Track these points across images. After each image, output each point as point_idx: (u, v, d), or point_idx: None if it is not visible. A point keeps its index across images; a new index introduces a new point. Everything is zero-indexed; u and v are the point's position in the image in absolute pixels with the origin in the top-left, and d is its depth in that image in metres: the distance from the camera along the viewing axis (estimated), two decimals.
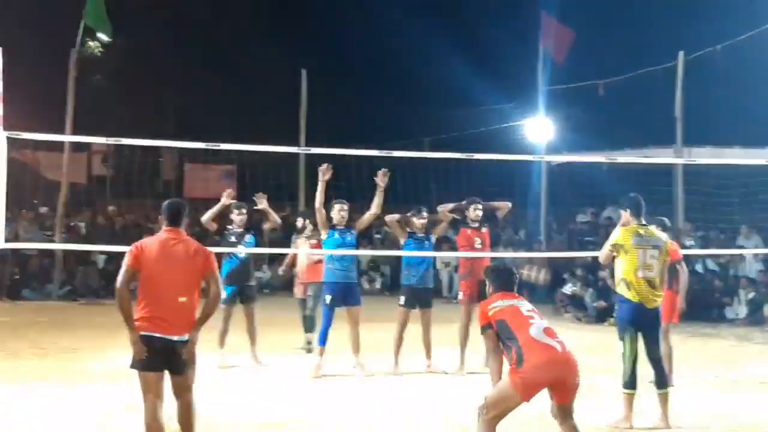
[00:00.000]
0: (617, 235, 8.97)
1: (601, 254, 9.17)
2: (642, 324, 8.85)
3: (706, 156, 22.28)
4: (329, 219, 11.75)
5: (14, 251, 20.24)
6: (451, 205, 12.45)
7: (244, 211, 12.70)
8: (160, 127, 33.86)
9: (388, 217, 12.24)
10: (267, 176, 20.87)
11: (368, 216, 12.05)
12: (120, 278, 6.89)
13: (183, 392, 7.00)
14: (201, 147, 12.59)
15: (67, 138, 20.08)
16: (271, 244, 24.00)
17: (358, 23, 36.60)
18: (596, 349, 13.63)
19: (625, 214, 9.10)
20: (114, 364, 11.86)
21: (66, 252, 20.85)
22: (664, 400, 8.83)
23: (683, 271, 11.20)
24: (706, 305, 19.32)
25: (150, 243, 7.11)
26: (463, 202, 12.45)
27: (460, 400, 9.45)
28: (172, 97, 37.02)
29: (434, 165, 22.96)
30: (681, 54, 20.84)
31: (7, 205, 9.99)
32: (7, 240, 10.03)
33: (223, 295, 12.01)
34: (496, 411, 6.79)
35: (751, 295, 18.99)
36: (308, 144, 21.58)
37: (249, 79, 36.27)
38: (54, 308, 18.82)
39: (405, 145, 25.19)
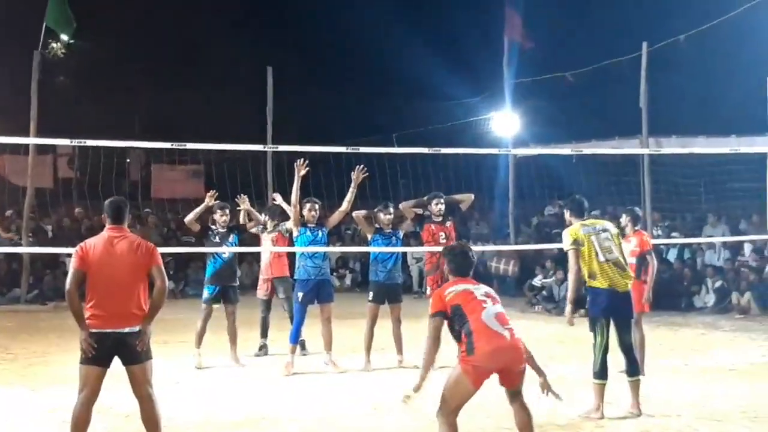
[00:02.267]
0: (567, 237, 9.10)
1: (572, 270, 9.06)
2: (615, 310, 8.93)
3: (672, 146, 22.44)
4: (301, 216, 11.75)
5: None
6: (412, 202, 12.50)
7: (227, 211, 12.73)
8: (126, 128, 33.70)
9: (355, 214, 12.24)
10: (234, 175, 20.79)
11: (338, 213, 12.13)
12: (68, 280, 7.07)
13: (141, 385, 7.11)
14: (167, 147, 12.49)
15: (32, 140, 19.89)
16: (243, 244, 24.02)
17: (324, 19, 36.66)
18: (565, 341, 13.69)
19: (567, 215, 9.44)
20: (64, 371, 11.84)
21: (33, 256, 20.69)
22: (635, 388, 8.89)
23: (653, 261, 11.27)
24: (674, 294, 19.45)
25: (94, 243, 7.18)
26: (425, 198, 12.46)
27: (432, 395, 9.46)
28: (138, 97, 36.82)
29: (402, 160, 22.97)
30: (645, 44, 20.91)
31: None
32: None
33: (205, 294, 12.36)
34: (452, 402, 6.79)
35: (718, 283, 19.13)
36: (275, 142, 21.48)
37: (215, 77, 36.19)
38: (22, 312, 18.65)
39: (372, 141, 25.16)
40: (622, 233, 10.73)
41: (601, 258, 8.91)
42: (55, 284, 21.38)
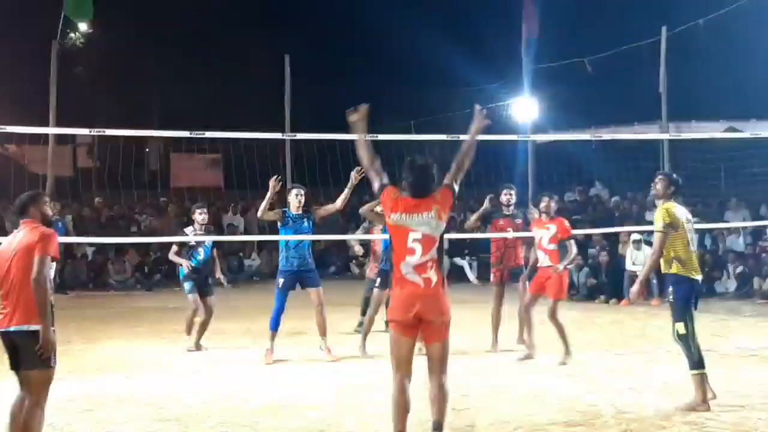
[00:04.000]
0: (661, 215, 8.60)
1: (656, 244, 8.62)
2: (695, 300, 8.69)
3: (691, 131, 22.32)
4: (286, 206, 11.80)
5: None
6: (475, 216, 12.69)
7: (206, 210, 12.89)
8: (145, 117, 33.80)
9: (363, 210, 11.98)
10: (253, 163, 20.80)
11: (330, 208, 12.04)
12: None
13: (26, 391, 6.65)
14: (186, 136, 12.51)
15: (52, 130, 19.97)
16: (262, 231, 24.10)
17: (342, 7, 36.52)
18: (585, 327, 13.66)
19: (664, 189, 8.80)
20: (104, 355, 11.90)
21: None
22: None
23: (572, 248, 11.30)
24: None
25: (4, 240, 7.01)
26: (486, 205, 12.49)
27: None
28: (156, 86, 36.88)
29: (419, 147, 22.82)
30: (664, 29, 20.80)
31: None
32: None
33: (187, 287, 12.62)
34: (392, 358, 6.59)
35: (740, 269, 19.03)
36: (293, 130, 21.49)
37: (233, 66, 36.18)
38: None
39: (391, 128, 25.14)
40: (545, 218, 11.24)
41: (692, 247, 8.66)
42: (75, 273, 21.52)
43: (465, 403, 8.68)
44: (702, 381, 8.39)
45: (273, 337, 11.43)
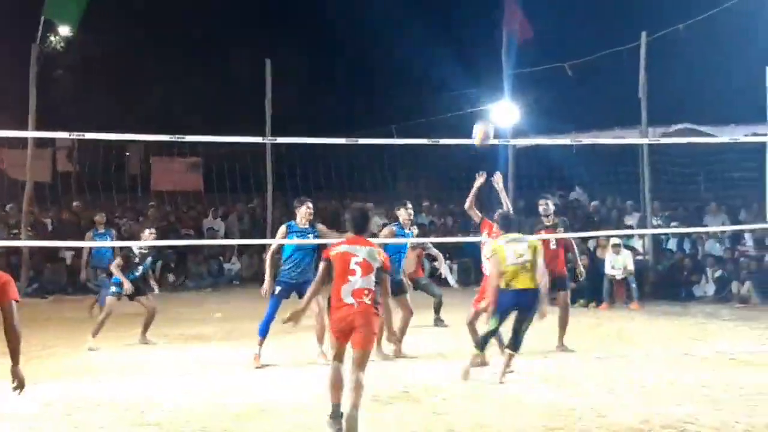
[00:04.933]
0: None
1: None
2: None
3: (671, 136, 22.43)
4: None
5: None
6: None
7: (155, 232, 13.19)
8: (125, 121, 33.66)
9: (384, 232, 11.97)
10: (233, 168, 20.79)
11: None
12: None
13: None
14: (166, 140, 12.44)
15: (30, 134, 19.87)
16: (243, 235, 24.06)
17: (322, 12, 36.53)
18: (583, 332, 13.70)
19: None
20: (84, 359, 11.86)
21: (33, 249, 20.70)
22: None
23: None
24: (674, 284, 19.49)
25: None
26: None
27: (432, 387, 9.49)
28: (137, 90, 36.77)
29: (401, 152, 22.90)
30: (643, 34, 20.86)
31: None
32: None
33: (113, 288, 13.15)
34: (333, 350, 8.06)
35: (718, 273, 19.14)
36: (274, 134, 21.46)
37: (214, 70, 36.13)
38: (22, 305, 18.56)
39: (372, 132, 25.17)
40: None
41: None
42: (54, 278, 21.42)
43: (445, 407, 8.72)
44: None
45: (261, 343, 11.35)
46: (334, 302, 7.96)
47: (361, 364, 7.80)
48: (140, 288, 13.28)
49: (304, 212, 11.67)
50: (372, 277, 7.94)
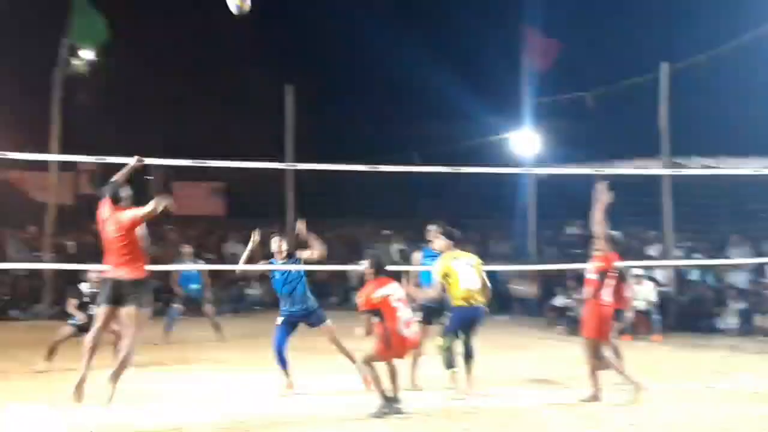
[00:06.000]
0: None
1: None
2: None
3: (693, 167, 22.34)
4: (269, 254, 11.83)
5: (3, 272, 20.19)
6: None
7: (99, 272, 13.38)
8: (147, 145, 33.78)
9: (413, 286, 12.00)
10: (255, 193, 20.82)
11: (312, 258, 11.59)
12: None
13: None
14: (188, 164, 12.52)
15: (54, 157, 20.02)
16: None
17: (344, 39, 36.60)
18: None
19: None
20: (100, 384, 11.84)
21: (55, 272, 20.78)
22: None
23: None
24: (697, 316, 19.36)
25: None
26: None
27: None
28: (159, 115, 36.92)
29: (422, 179, 22.86)
30: (666, 66, 20.87)
31: None
32: None
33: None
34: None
35: (741, 305, 18.99)
36: (296, 160, 21.53)
37: (236, 96, 36.25)
38: (44, 328, 18.63)
39: (393, 159, 25.18)
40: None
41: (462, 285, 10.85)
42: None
43: None
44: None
45: (285, 374, 11.22)
46: (393, 338, 9.24)
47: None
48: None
49: (275, 249, 11.72)
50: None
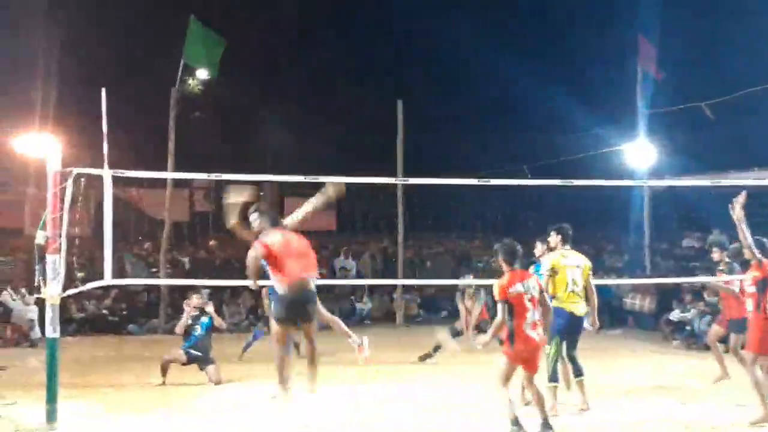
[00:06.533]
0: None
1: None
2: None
3: None
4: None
5: (121, 287, 20.65)
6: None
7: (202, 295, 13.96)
8: (258, 161, 34.28)
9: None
10: (366, 208, 20.93)
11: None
12: None
13: None
14: (300, 180, 12.61)
15: (169, 175, 20.41)
16: (375, 275, 24.17)
17: (454, 53, 36.60)
18: (705, 376, 13.28)
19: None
20: (210, 397, 11.99)
21: (170, 287, 21.16)
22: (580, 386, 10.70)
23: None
24: None
25: None
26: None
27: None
28: (270, 131, 37.46)
29: (530, 192, 22.66)
30: None
31: (114, 243, 10.08)
32: (113, 276, 10.16)
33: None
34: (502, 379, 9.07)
35: None
36: (406, 174, 21.56)
37: (346, 111, 36.56)
38: (160, 342, 18.95)
39: (503, 173, 25.02)
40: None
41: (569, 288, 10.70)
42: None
43: None
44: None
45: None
46: (516, 337, 8.95)
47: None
48: (205, 356, 13.55)
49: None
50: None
